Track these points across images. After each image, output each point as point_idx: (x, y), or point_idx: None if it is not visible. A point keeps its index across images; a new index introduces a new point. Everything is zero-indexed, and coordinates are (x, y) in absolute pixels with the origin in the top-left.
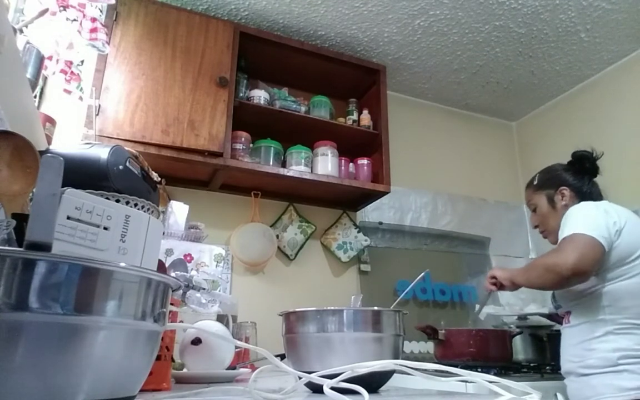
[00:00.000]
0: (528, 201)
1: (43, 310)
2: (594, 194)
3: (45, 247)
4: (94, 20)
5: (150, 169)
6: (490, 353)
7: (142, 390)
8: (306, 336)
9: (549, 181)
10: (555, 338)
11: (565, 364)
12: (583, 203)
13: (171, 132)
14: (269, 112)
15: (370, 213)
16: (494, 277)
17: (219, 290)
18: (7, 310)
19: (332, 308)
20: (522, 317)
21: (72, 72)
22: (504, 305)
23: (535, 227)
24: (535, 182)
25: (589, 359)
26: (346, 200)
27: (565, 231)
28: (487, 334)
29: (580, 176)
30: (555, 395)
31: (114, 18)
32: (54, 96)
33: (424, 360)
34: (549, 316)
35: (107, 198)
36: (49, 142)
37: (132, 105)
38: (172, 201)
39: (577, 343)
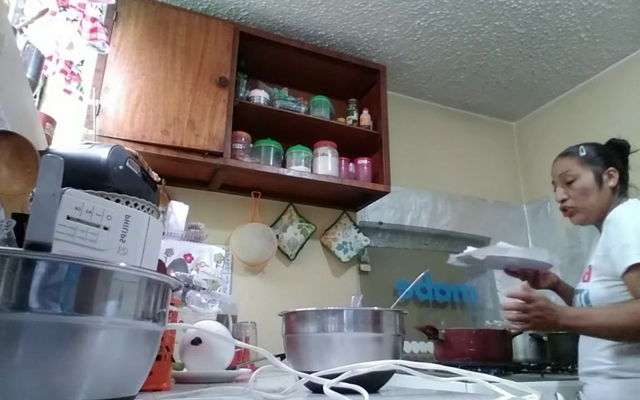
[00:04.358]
0: (565, 171)
1: (43, 310)
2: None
3: (45, 247)
4: (94, 20)
5: (150, 169)
6: (490, 353)
7: (142, 390)
8: (306, 336)
9: (598, 157)
10: (555, 338)
11: (594, 366)
12: (636, 206)
13: (171, 132)
14: (269, 112)
15: (370, 213)
16: (527, 317)
17: (219, 290)
18: (7, 310)
19: (332, 308)
20: None
21: (72, 72)
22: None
23: (563, 200)
24: (582, 153)
25: (628, 362)
26: (346, 200)
27: (630, 248)
28: (487, 334)
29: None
30: (555, 395)
31: (114, 18)
32: (54, 96)
33: (424, 360)
34: None
35: (107, 198)
36: (49, 142)
37: (132, 105)
38: (172, 201)
39: (613, 345)
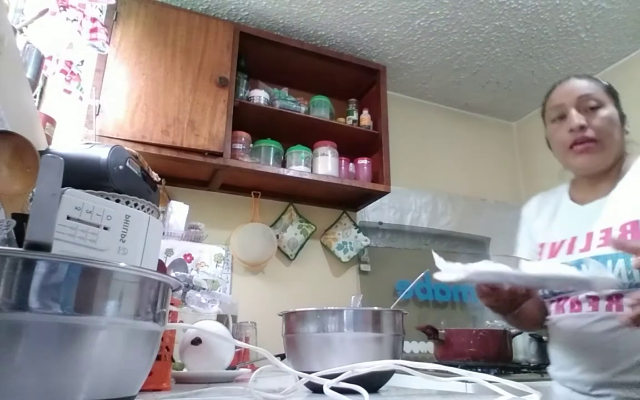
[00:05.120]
0: (589, 93)
1: (43, 310)
2: None
3: (45, 247)
4: (94, 20)
5: (150, 169)
6: (490, 353)
7: (142, 390)
8: (306, 336)
9: (617, 96)
10: None
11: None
12: None
13: (171, 132)
14: (269, 112)
15: (370, 213)
16: None
17: (219, 290)
18: (7, 310)
19: (332, 308)
20: None
21: (72, 72)
22: None
23: (582, 128)
24: (605, 82)
25: None
26: (346, 200)
27: None
28: (487, 334)
29: None
30: None
31: (114, 18)
32: (54, 96)
33: (424, 360)
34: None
35: (107, 198)
36: (49, 142)
37: (132, 105)
38: (172, 201)
39: None
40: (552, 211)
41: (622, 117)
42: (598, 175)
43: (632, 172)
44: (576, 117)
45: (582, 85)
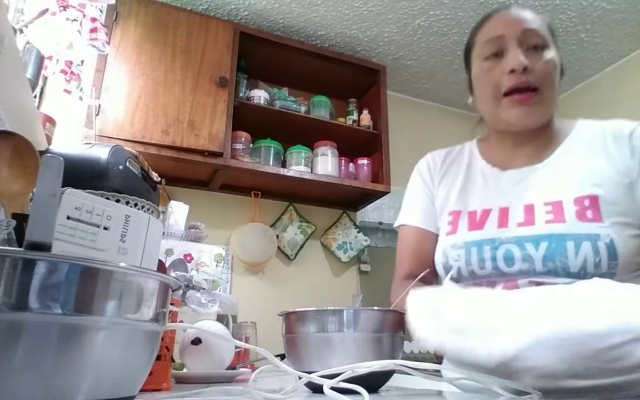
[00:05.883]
0: (534, 28)
1: (43, 310)
2: None
3: (45, 247)
4: (94, 20)
5: (150, 169)
6: None
7: (142, 390)
8: (306, 336)
9: (557, 39)
10: None
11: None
12: None
13: (171, 132)
14: (269, 112)
15: (370, 213)
16: None
17: (219, 290)
18: (7, 310)
19: (332, 308)
20: None
21: (72, 72)
22: None
23: (524, 69)
24: (550, 24)
25: None
26: (346, 200)
27: None
28: None
29: None
30: None
31: (114, 18)
32: (54, 96)
33: (424, 360)
34: None
35: (107, 198)
36: (49, 142)
37: (132, 105)
38: (172, 201)
39: None
40: (462, 175)
41: (562, 66)
42: (526, 135)
43: (578, 138)
44: (516, 57)
45: (527, 17)
